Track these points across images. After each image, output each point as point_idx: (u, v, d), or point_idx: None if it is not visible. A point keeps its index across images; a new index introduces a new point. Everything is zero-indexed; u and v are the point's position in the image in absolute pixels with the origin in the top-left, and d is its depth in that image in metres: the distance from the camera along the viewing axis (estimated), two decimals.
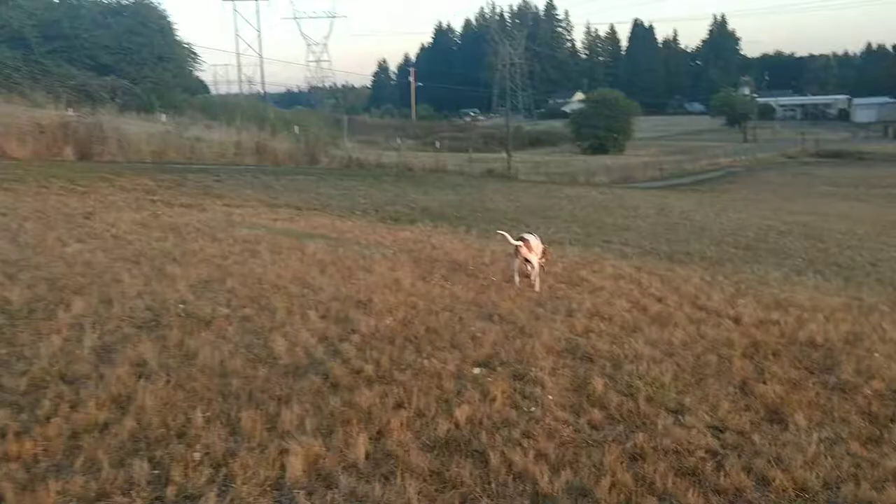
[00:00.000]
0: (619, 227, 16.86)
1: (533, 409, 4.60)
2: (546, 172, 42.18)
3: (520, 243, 8.81)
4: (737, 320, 7.60)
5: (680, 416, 4.64)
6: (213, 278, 7.84)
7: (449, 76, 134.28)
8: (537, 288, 8.47)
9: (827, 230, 19.30)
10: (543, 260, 9.01)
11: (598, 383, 5.12)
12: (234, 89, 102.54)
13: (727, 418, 4.66)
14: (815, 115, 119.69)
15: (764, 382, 5.43)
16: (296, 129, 37.02)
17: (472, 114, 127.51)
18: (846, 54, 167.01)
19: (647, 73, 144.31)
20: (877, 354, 6.37)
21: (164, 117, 38.93)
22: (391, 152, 43.21)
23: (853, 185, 43.33)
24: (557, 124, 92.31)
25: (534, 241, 8.89)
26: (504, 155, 48.12)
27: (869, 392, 5.38)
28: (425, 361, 5.32)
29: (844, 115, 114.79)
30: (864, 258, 14.14)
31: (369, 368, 5.12)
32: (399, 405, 4.52)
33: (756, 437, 4.37)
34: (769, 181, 46.91)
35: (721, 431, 4.45)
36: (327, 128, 60.02)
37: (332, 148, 36.87)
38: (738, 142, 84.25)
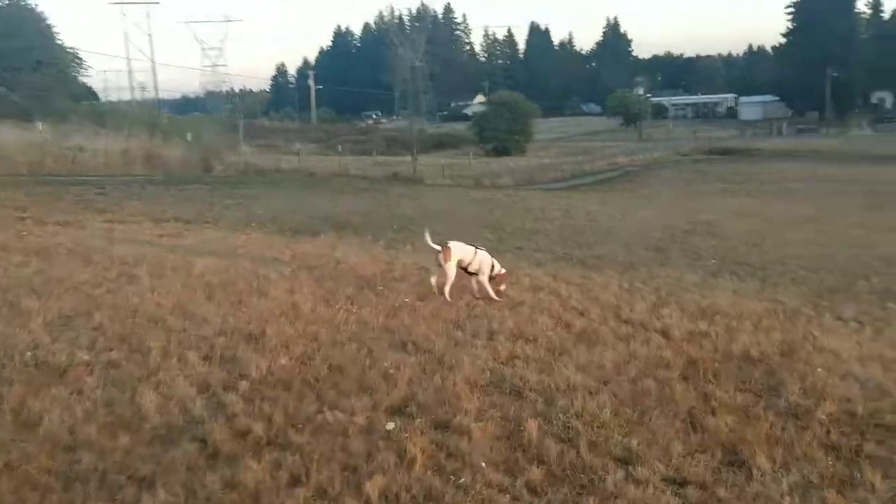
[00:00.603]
0: (529, 231, 16.39)
1: (460, 473, 3.83)
2: (451, 175, 41.67)
3: (438, 248, 8.10)
4: (665, 334, 7.09)
5: (630, 468, 3.98)
6: (79, 312, 6.72)
7: (349, 79, 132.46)
8: (492, 295, 8.19)
9: (729, 228, 19.46)
10: (501, 286, 8.41)
11: (532, 427, 4.41)
12: (127, 96, 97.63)
13: (683, 466, 4.03)
14: (705, 114, 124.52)
15: (713, 413, 4.86)
16: (188, 135, 35.05)
17: (374, 116, 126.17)
18: (730, 55, 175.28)
19: (544, 75, 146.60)
20: (819, 370, 5.94)
21: (40, 126, 36.12)
22: (291, 157, 41.77)
23: (745, 182, 44.83)
24: (460, 127, 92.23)
25: (466, 251, 8.33)
26: (409, 158, 47.42)
27: (824, 417, 4.89)
28: (328, 414, 4.46)
29: (732, 113, 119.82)
30: (772, 256, 14.14)
31: (259, 428, 4.22)
32: (295, 481, 3.66)
33: (721, 492, 3.76)
34: (666, 179, 48.00)
35: (681, 486, 3.82)
36: (224, 133, 57.69)
37: (228, 154, 35.16)
38: (634, 141, 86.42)
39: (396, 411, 4.63)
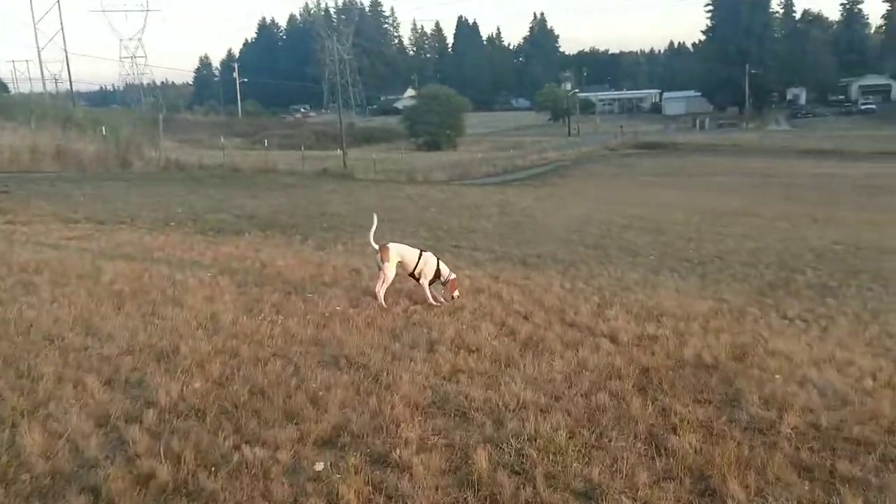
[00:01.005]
0: (466, 228, 15.96)
1: None
2: (383, 170, 41.00)
3: (377, 247, 7.65)
4: (614, 338, 6.73)
5: None
6: None
7: (276, 72, 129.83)
8: (435, 301, 7.77)
9: (664, 222, 19.48)
10: (454, 292, 7.93)
11: (482, 457, 3.92)
12: (39, 87, 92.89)
13: (651, 499, 3.61)
14: (630, 109, 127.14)
15: (675, 431, 4.47)
16: (103, 129, 33.30)
17: (302, 110, 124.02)
18: (653, 52, 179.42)
19: (473, 69, 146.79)
20: (777, 377, 5.64)
21: None
22: (216, 152, 40.30)
23: (673, 175, 45.65)
24: (391, 121, 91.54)
25: (409, 253, 7.94)
26: (338, 152, 46.48)
27: (789, 432, 4.56)
28: (248, 450, 3.86)
29: (656, 108, 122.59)
30: (709, 251, 14.09)
31: (164, 471, 3.60)
32: None
33: None
34: (597, 173, 48.47)
35: None
36: (144, 127, 55.37)
37: (147, 149, 33.57)
38: (563, 136, 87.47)
39: (327, 443, 4.06)
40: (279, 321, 6.66)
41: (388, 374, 5.25)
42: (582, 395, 5.05)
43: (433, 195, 25.32)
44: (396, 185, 32.44)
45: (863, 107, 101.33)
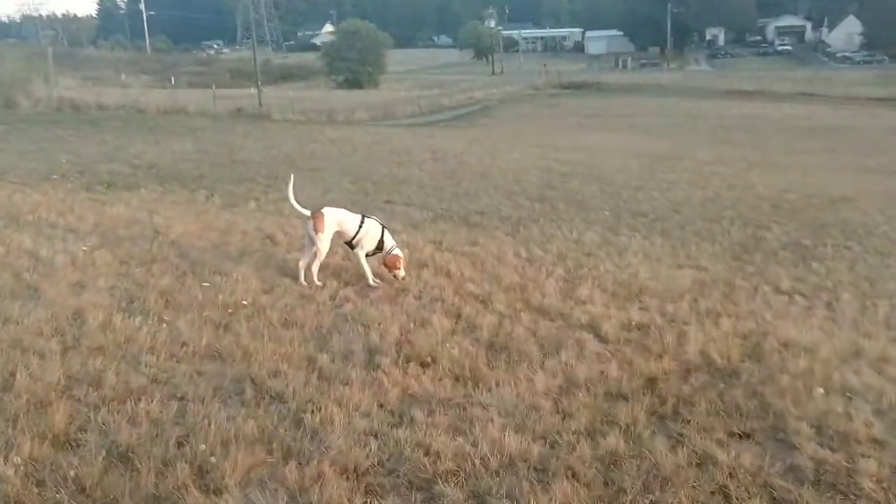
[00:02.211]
0: (397, 179, 14.34)
1: None
2: (302, 110, 38.41)
3: (307, 214, 6.33)
4: (597, 332, 5.46)
5: None
6: None
7: (186, 5, 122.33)
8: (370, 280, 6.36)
9: (605, 169, 18.32)
10: (396, 270, 6.44)
11: None
12: None
13: None
14: (553, 48, 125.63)
15: (727, 500, 3.14)
16: None
17: (215, 46, 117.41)
18: None
19: (394, 5, 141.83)
20: (820, 391, 4.40)
21: None
22: (118, 90, 36.96)
23: (600, 116, 44.71)
24: (309, 57, 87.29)
25: (348, 220, 6.47)
26: (253, 91, 43.50)
27: (871, 486, 3.31)
28: None
29: (579, 47, 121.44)
30: (662, 203, 12.97)
31: None
32: None
33: None
34: (525, 114, 47.09)
35: None
36: (39, 62, 50.63)
37: (38, 88, 30.24)
38: (487, 74, 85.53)
39: None
40: (167, 321, 5.03)
41: (313, 413, 3.74)
42: (584, 436, 3.68)
43: (357, 139, 23.41)
44: (317, 126, 30.24)
45: (779, 48, 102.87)
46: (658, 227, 10.51)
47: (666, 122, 40.49)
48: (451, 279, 6.69)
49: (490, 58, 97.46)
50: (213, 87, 41.18)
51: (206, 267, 6.65)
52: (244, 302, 5.47)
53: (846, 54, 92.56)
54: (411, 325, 5.26)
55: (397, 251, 6.47)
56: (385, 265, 6.40)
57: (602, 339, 5.29)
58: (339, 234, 6.43)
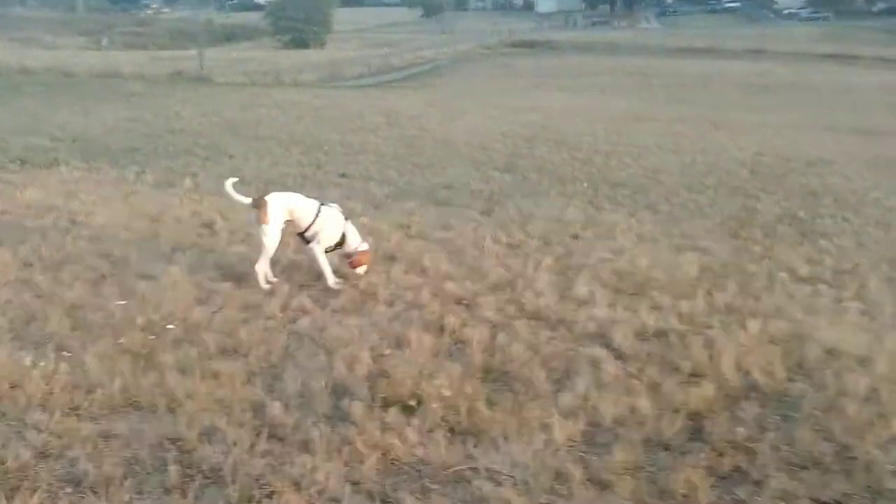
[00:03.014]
0: (352, 147, 13.14)
1: None
2: (246, 72, 36.40)
3: (248, 202, 5.23)
4: (609, 344, 4.54)
5: None
6: None
7: None
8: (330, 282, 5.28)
9: (570, 133, 17.34)
10: (359, 267, 5.48)
11: None
12: None
13: None
14: (503, 6, 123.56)
15: None
16: None
17: (154, 5, 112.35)
18: None
19: None
20: None
21: None
22: (46, 53, 34.48)
23: (554, 76, 43.58)
24: (254, 16, 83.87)
25: (302, 207, 5.36)
26: (194, 52, 41.21)
27: None
28: None
29: (529, 6, 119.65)
30: (637, 171, 12.07)
31: None
32: None
33: None
34: (478, 74, 45.70)
35: None
36: None
37: None
38: (437, 33, 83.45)
39: None
40: (69, 355, 3.90)
41: None
42: None
43: (306, 102, 21.95)
44: (262, 88, 28.54)
45: (727, 5, 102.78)
46: (642, 201, 9.59)
47: (620, 81, 39.63)
48: (426, 276, 5.66)
49: (439, 16, 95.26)
50: (152, 47, 38.85)
51: (130, 268, 5.51)
52: (169, 327, 4.33)
53: (792, 10, 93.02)
54: (385, 346, 4.22)
55: (364, 246, 5.41)
56: (352, 266, 5.34)
57: (618, 354, 4.34)
58: (291, 223, 5.34)
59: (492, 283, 5.56)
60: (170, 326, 4.26)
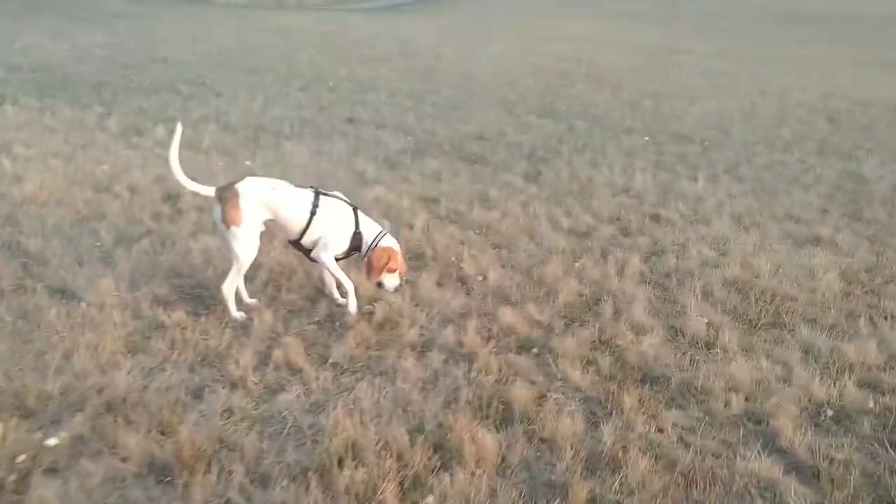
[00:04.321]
0: (361, 83, 11.23)
1: None
2: None
3: (209, 193, 3.44)
4: (781, 446, 2.85)
5: None
6: None
7: None
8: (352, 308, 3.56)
9: (607, 68, 15.31)
10: (387, 275, 3.66)
11: None
12: None
13: None
14: None
15: None
16: None
17: None
18: None
19: None
20: None
21: None
22: None
23: (580, 1, 40.87)
24: None
25: (286, 199, 3.58)
26: None
27: None
28: None
29: None
30: (697, 118, 10.06)
31: None
32: None
33: None
34: None
35: None
36: None
37: None
38: None
39: None
40: None
41: None
42: None
43: (311, 28, 19.78)
44: (264, 11, 26.24)
45: None
46: (717, 162, 7.76)
47: (644, 8, 36.99)
48: (469, 292, 3.95)
49: None
50: None
51: (47, 276, 3.80)
52: (51, 442, 2.61)
53: None
54: (419, 463, 2.53)
55: (389, 241, 3.67)
56: (369, 267, 3.60)
57: (801, 473, 2.66)
58: (272, 223, 3.59)
59: (566, 307, 3.85)
60: (52, 441, 2.51)
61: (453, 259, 4.38)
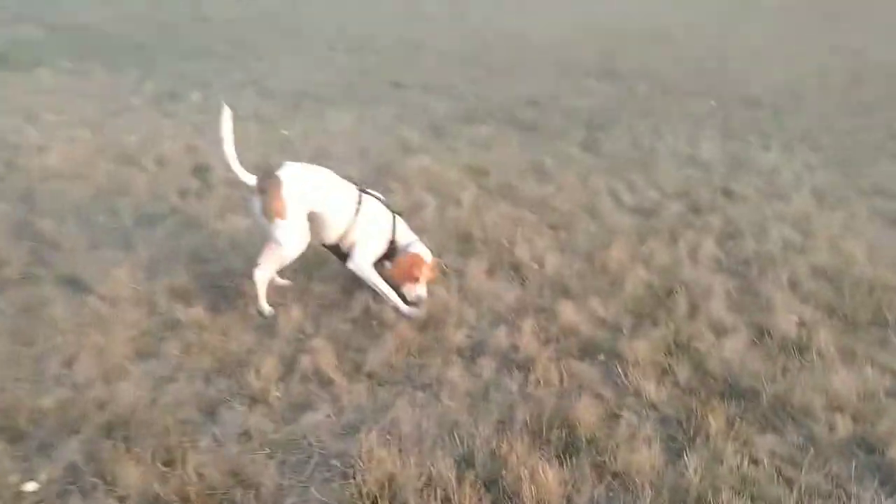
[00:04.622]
0: (409, 44, 10.59)
1: None
2: None
3: (250, 181, 3.05)
4: None
5: None
6: None
7: None
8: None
9: (662, 26, 14.38)
10: (416, 284, 3.29)
11: None
12: None
13: None
14: None
15: None
16: None
17: None
18: None
19: None
20: None
21: None
22: None
23: None
24: None
25: (332, 193, 3.20)
26: None
27: None
28: None
29: None
30: (766, 81, 9.28)
31: None
32: None
33: None
34: None
35: None
36: None
37: None
38: None
39: None
40: None
41: None
42: None
43: None
44: None
45: None
46: (791, 128, 7.08)
47: None
48: (524, 283, 3.50)
49: None
50: None
51: (57, 263, 3.47)
52: (28, 488, 2.24)
53: None
54: (468, 502, 2.12)
55: (419, 247, 3.24)
56: (396, 274, 3.20)
57: None
58: (314, 218, 3.18)
59: (633, 301, 3.37)
60: (31, 487, 2.15)
61: (505, 242, 3.92)
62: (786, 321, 3.24)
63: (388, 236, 3.22)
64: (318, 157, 5.26)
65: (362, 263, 3.16)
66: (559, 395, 2.65)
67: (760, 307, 3.41)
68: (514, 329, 3.08)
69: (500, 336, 3.01)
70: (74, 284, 3.27)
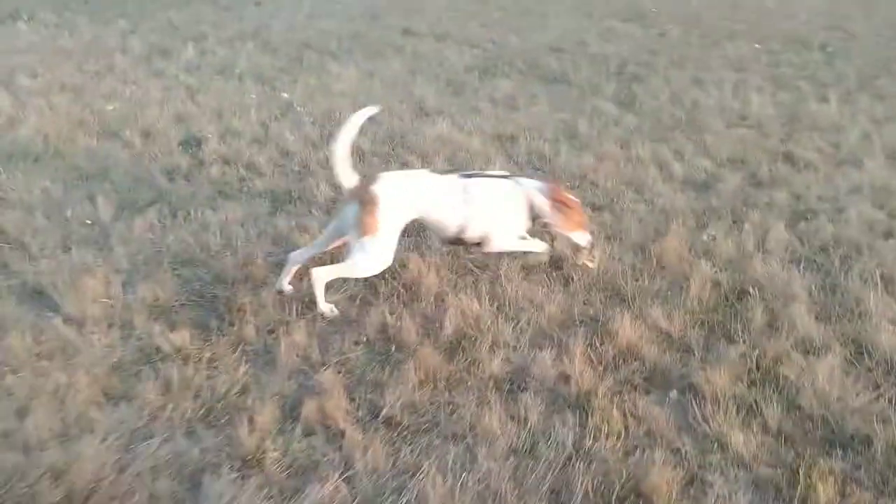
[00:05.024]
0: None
1: None
2: None
3: (353, 185, 2.71)
4: None
5: None
6: None
7: None
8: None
9: None
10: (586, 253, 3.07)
11: None
12: None
13: None
14: None
15: None
16: None
17: None
18: None
19: None
20: None
21: None
22: None
23: None
24: None
25: (434, 195, 2.85)
26: None
27: None
28: None
29: None
30: (810, 19, 8.56)
31: None
32: None
33: None
34: None
35: None
36: None
37: None
38: None
39: None
40: None
41: None
42: None
43: None
44: None
45: None
46: (849, 72, 6.40)
47: None
48: (569, 284, 2.96)
49: None
50: None
51: (22, 270, 2.96)
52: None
53: None
54: None
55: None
56: (568, 227, 3.01)
57: None
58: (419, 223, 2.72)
59: (700, 306, 2.83)
60: None
61: (544, 231, 3.36)
62: (887, 334, 2.68)
63: (523, 203, 2.94)
64: (323, 125, 4.69)
65: (506, 245, 2.98)
66: (625, 450, 2.13)
67: (850, 312, 2.85)
68: (561, 351, 2.55)
69: (545, 361, 2.48)
70: (38, 299, 2.76)
